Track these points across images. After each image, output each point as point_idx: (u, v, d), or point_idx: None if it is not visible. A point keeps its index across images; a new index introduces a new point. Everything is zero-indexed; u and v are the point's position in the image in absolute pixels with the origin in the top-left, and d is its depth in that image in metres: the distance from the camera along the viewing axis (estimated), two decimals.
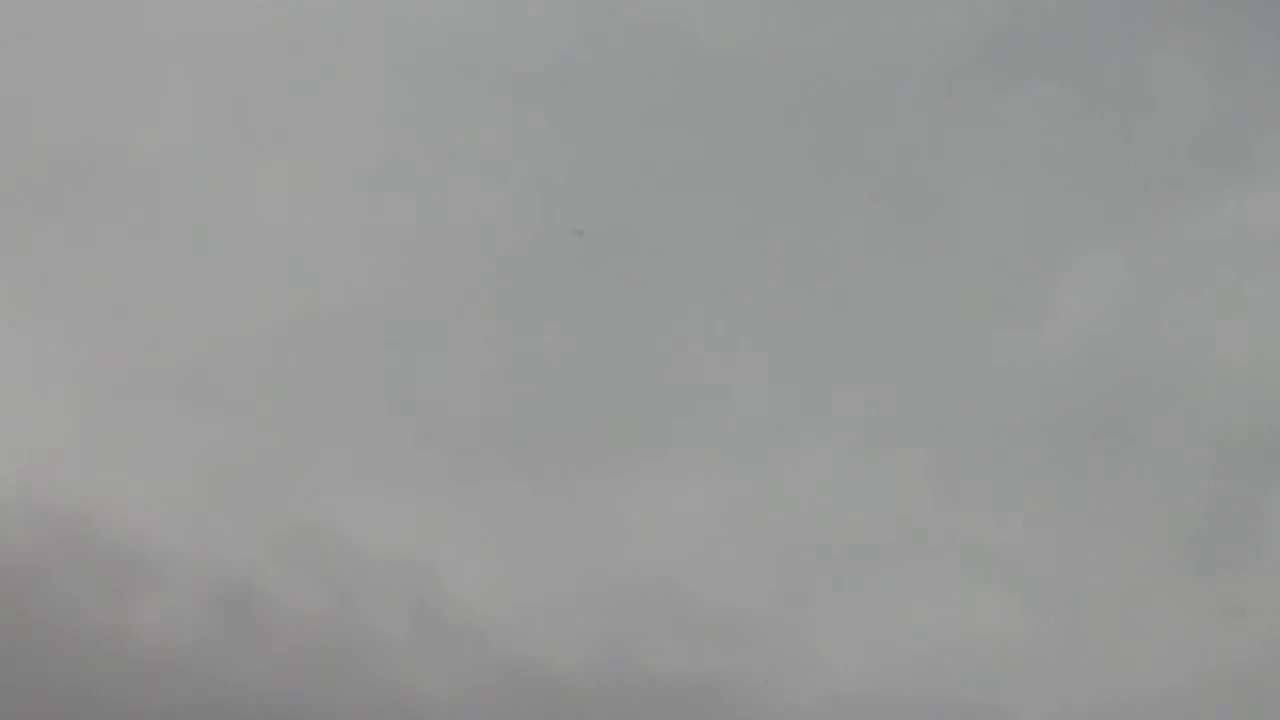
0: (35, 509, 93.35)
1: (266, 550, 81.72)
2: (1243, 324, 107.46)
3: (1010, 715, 69.22)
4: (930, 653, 74.27)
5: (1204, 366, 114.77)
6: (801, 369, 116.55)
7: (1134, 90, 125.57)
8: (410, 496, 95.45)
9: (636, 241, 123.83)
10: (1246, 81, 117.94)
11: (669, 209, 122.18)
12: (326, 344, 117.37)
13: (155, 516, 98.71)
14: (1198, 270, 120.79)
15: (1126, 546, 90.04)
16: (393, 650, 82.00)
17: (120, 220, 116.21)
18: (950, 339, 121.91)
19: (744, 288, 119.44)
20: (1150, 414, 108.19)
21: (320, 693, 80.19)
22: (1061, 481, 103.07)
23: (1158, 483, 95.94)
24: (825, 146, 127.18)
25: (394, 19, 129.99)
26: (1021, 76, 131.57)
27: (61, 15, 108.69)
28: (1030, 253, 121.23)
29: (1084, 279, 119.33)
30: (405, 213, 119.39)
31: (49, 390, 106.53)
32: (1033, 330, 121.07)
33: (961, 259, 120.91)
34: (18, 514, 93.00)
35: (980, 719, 70.37)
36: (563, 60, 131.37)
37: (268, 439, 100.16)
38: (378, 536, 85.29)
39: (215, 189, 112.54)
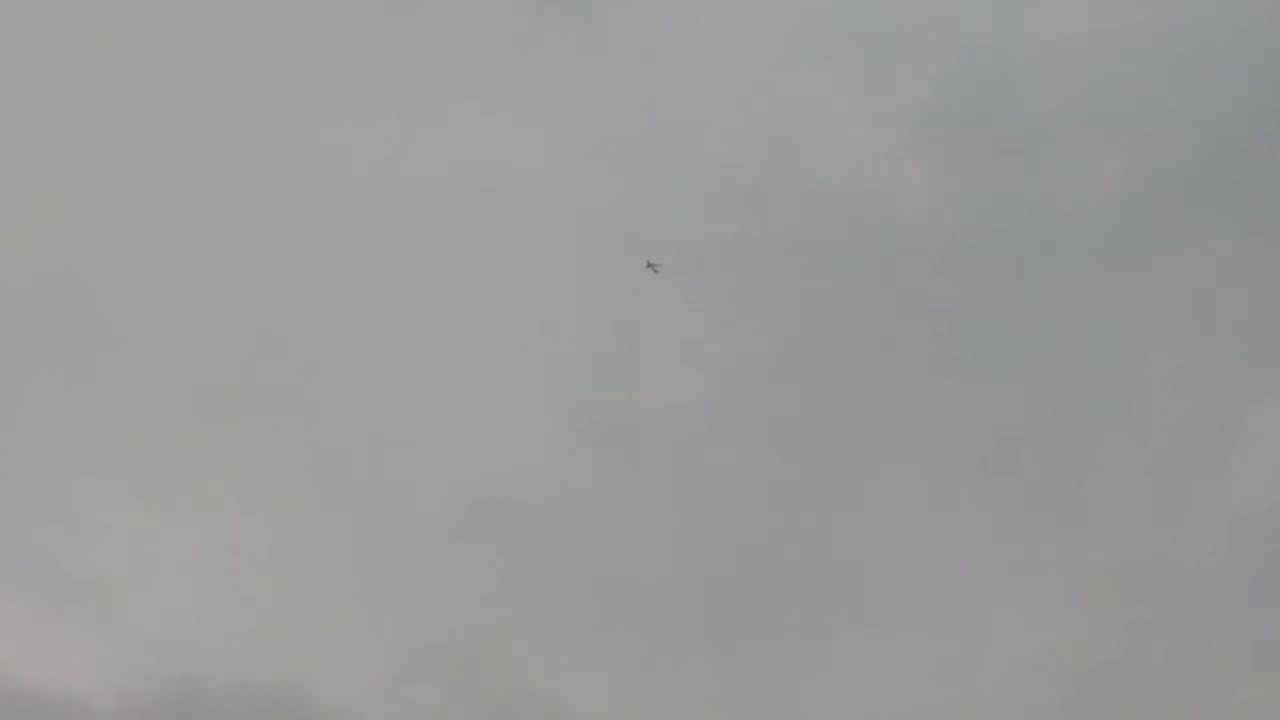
0: (246, 685, 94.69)
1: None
2: None
3: None
4: None
5: None
6: (998, 528, 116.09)
7: None
8: (615, 665, 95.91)
9: (830, 407, 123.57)
10: None
11: (859, 374, 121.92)
12: (527, 527, 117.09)
13: (362, 692, 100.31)
14: None
15: None
16: None
17: (312, 414, 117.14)
18: (1143, 494, 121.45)
19: (940, 448, 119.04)
20: None
21: None
22: (1262, 627, 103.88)
23: None
24: (1006, 307, 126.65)
25: (578, 210, 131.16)
26: (1186, 225, 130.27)
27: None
28: (1215, 404, 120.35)
29: (1269, 426, 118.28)
30: (598, 394, 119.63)
31: (258, 570, 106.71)
32: (1221, 481, 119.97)
33: (1151, 419, 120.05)
34: (230, 690, 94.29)
35: None
36: (740, 234, 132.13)
37: (477, 618, 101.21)
38: (585, 703, 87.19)
39: (406, 378, 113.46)
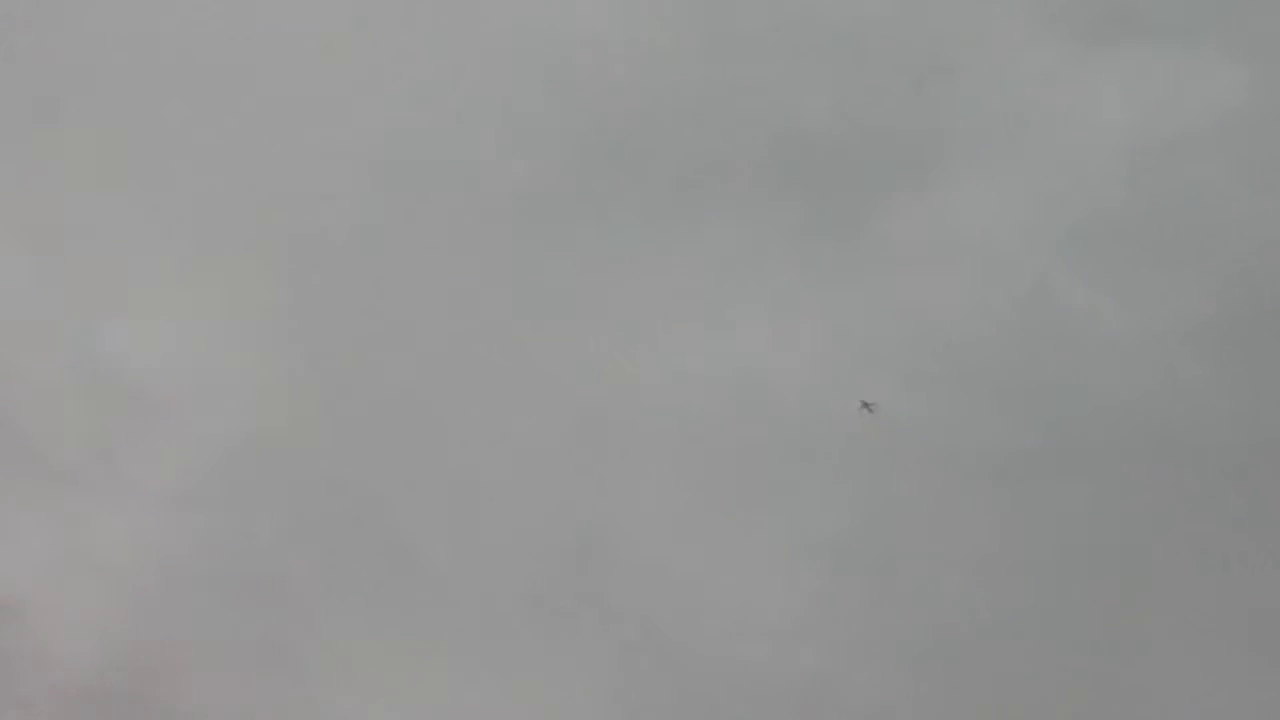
0: None
1: None
2: None
3: None
4: None
5: None
6: None
7: None
8: None
9: (1107, 617, 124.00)
10: None
11: (1137, 583, 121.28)
12: None
13: None
14: None
15: None
16: None
17: None
18: None
19: (1215, 651, 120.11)
20: None
21: None
22: None
23: None
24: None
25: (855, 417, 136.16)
26: None
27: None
28: None
29: None
30: (883, 601, 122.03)
31: None
32: None
33: None
34: None
35: None
36: (1015, 447, 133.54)
37: None
38: None
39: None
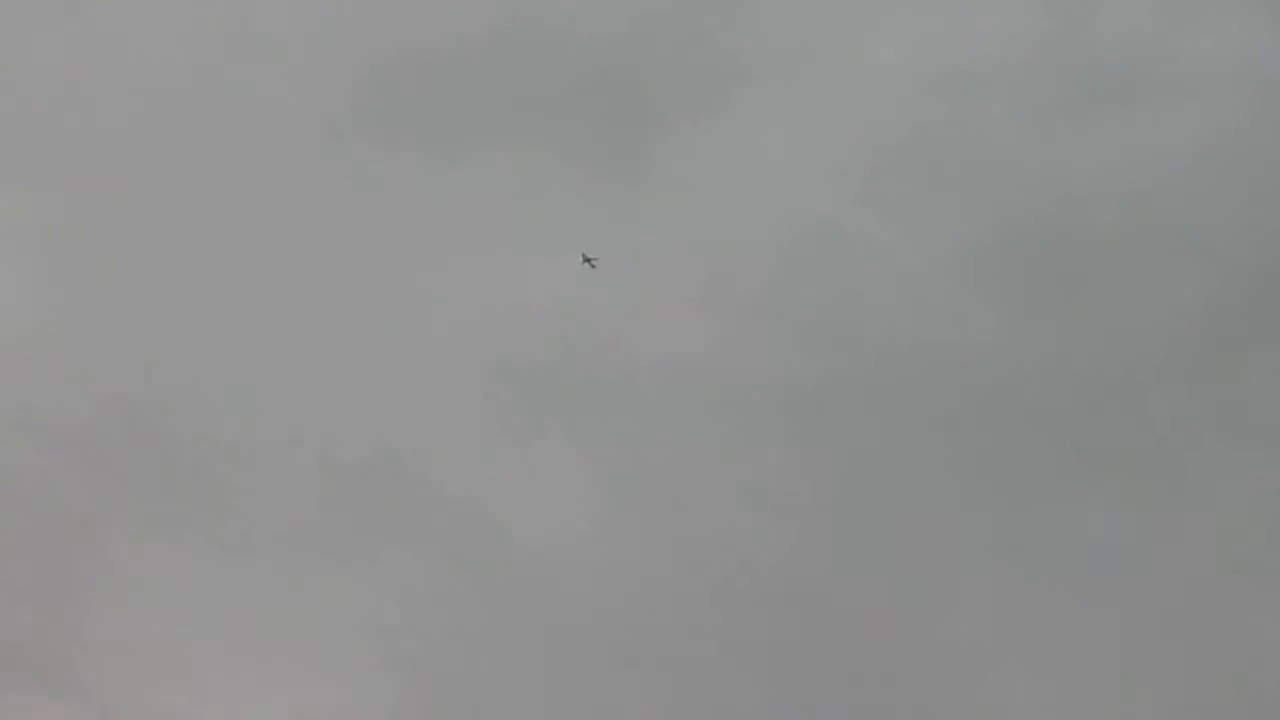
0: None
1: None
2: None
3: None
4: None
5: None
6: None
7: None
8: None
9: (901, 548, 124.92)
10: None
11: (927, 514, 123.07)
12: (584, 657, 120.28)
13: None
14: None
15: None
16: None
17: None
18: (1213, 621, 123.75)
19: (1009, 578, 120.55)
20: None
21: None
22: None
23: None
24: (1070, 434, 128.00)
25: (642, 354, 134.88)
26: (1252, 346, 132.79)
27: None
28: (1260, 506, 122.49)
29: None
30: (663, 531, 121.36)
31: None
32: None
33: (1217, 534, 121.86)
34: None
35: None
36: (809, 378, 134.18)
37: None
38: None
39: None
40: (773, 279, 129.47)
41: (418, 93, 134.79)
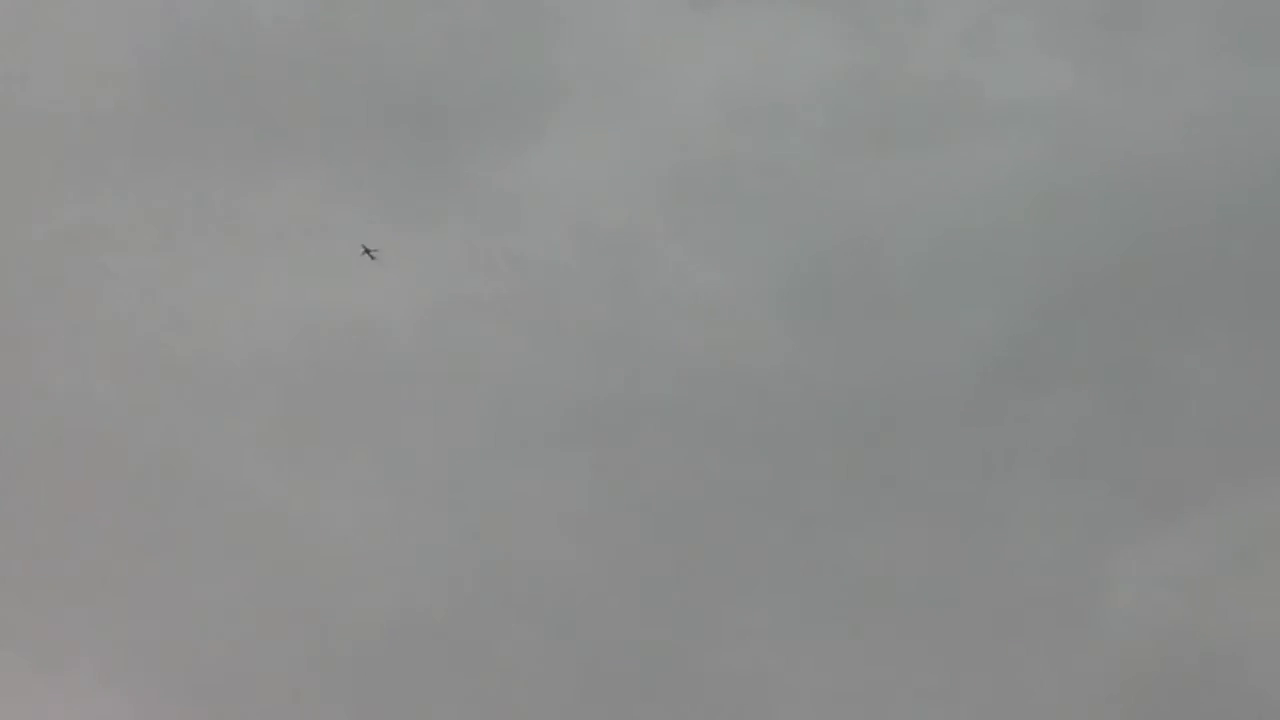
0: None
1: None
2: None
3: None
4: None
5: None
6: (855, 687, 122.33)
7: (1158, 387, 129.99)
8: None
9: (686, 571, 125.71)
10: (1267, 371, 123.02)
11: (716, 538, 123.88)
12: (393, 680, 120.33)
13: None
14: (1250, 552, 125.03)
15: None
16: None
17: None
18: (999, 651, 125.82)
19: (793, 605, 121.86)
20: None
21: None
22: None
23: None
24: (866, 463, 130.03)
25: (446, 369, 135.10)
26: (1051, 382, 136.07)
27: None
28: (1075, 555, 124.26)
29: (1133, 576, 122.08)
30: (469, 556, 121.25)
31: None
32: (1084, 632, 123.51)
33: (1002, 569, 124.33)
34: None
35: None
36: (603, 399, 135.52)
37: None
38: None
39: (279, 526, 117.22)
40: (571, 298, 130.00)
41: (224, 100, 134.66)
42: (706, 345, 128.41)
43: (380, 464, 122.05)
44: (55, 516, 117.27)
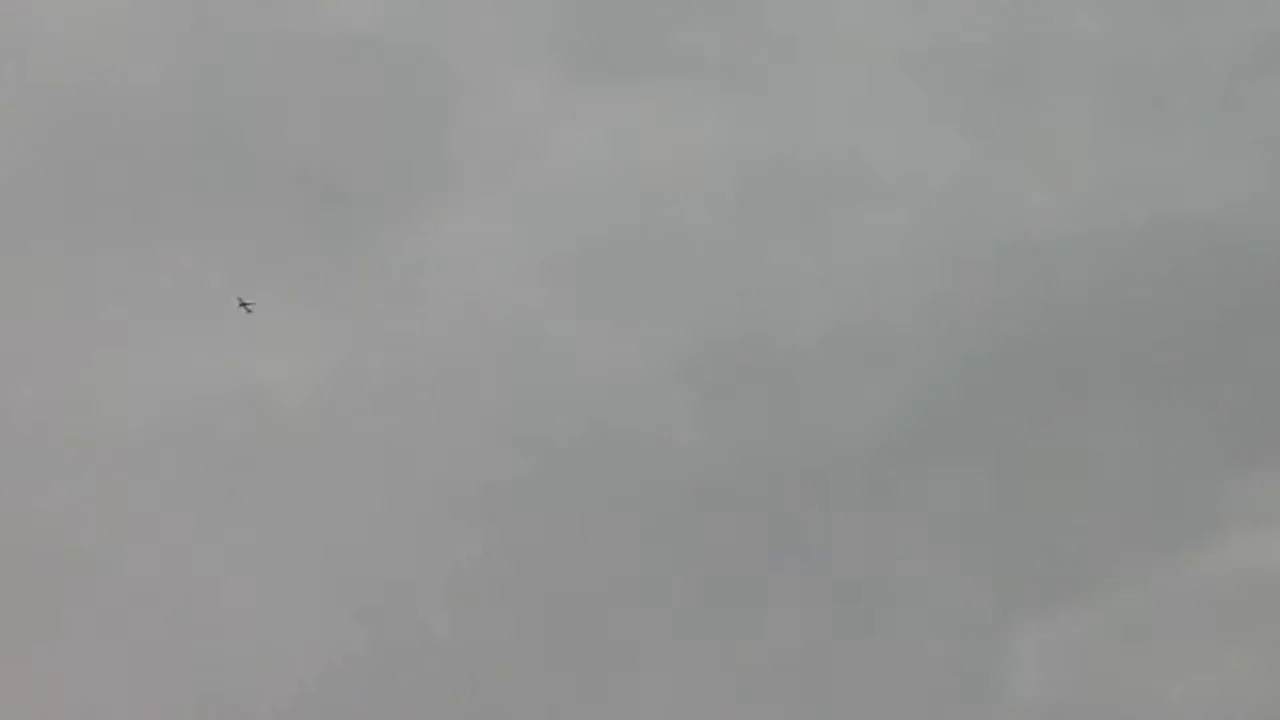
0: None
1: None
2: (1191, 677, 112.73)
3: None
4: None
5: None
6: None
7: (1056, 463, 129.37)
8: None
9: (582, 649, 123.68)
10: (1173, 445, 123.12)
11: (612, 615, 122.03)
12: None
13: None
14: (1144, 628, 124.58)
15: None
16: None
17: None
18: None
19: (694, 681, 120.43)
20: None
21: None
22: None
23: None
24: (767, 540, 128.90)
25: (346, 443, 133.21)
26: (949, 457, 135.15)
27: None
28: (975, 627, 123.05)
29: (1029, 650, 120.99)
30: (363, 632, 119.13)
31: None
32: (985, 703, 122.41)
33: (901, 643, 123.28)
34: None
35: None
36: (497, 476, 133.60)
37: None
38: None
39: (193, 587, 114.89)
40: (465, 375, 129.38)
41: (125, 178, 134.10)
42: (602, 422, 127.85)
43: (269, 536, 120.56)
44: None
